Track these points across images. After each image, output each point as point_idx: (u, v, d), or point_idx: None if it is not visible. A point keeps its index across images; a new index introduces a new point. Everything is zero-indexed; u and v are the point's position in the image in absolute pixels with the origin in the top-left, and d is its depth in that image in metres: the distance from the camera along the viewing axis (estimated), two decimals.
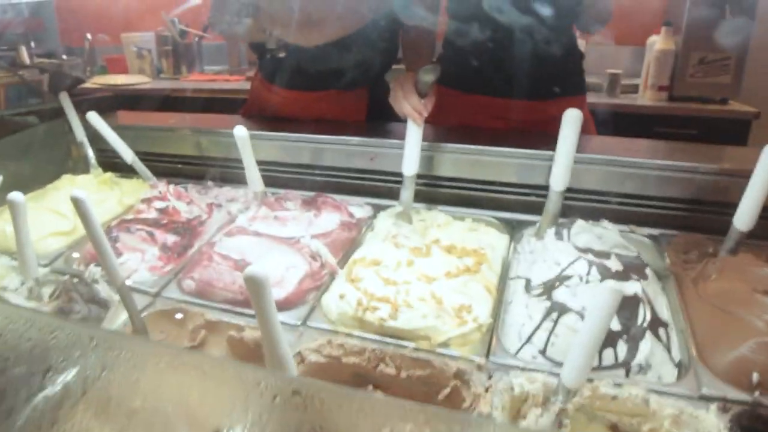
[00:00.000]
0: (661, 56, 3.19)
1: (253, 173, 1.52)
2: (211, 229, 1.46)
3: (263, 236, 1.32)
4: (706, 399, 0.96)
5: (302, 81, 1.87)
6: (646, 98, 3.34)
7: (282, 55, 1.60)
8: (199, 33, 4.45)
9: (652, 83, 3.27)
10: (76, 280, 1.21)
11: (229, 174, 1.77)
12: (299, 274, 1.20)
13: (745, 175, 1.22)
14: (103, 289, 1.17)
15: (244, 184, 1.60)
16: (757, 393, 0.96)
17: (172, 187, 1.68)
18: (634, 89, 3.48)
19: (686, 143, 1.59)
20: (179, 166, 1.91)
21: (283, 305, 1.15)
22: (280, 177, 1.74)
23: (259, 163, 1.57)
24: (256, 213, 1.46)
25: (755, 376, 0.98)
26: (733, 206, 1.26)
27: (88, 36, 4.57)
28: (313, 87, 1.89)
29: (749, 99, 3.18)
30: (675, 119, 3.19)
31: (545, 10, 1.54)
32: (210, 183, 1.77)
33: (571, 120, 1.25)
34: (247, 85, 2.21)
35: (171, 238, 1.39)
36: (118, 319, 1.11)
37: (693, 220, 1.46)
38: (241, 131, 1.44)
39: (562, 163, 1.29)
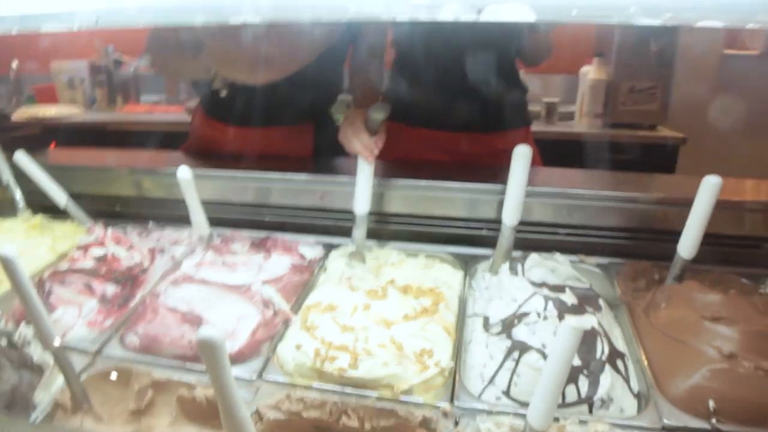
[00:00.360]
0: (594, 85, 3.34)
1: (197, 216, 1.45)
2: (155, 276, 1.38)
3: (211, 284, 1.26)
4: (668, 430, 0.97)
5: (246, 117, 1.82)
6: (582, 125, 3.47)
7: (227, 93, 1.55)
8: (134, 62, 4.31)
9: (587, 111, 3.41)
10: (4, 342, 1.11)
11: (172, 214, 1.69)
12: (252, 324, 1.14)
13: (684, 204, 1.27)
14: (36, 352, 1.07)
15: (187, 224, 1.53)
16: (714, 420, 0.98)
17: (110, 230, 1.60)
18: (570, 116, 3.60)
19: (628, 173, 1.64)
20: (117, 207, 1.81)
21: (237, 358, 1.09)
22: (226, 217, 1.67)
23: (203, 202, 1.51)
24: (203, 258, 1.40)
25: (711, 404, 1.00)
26: (674, 233, 1.30)
27: (14, 64, 4.34)
28: (257, 123, 1.84)
29: (676, 125, 3.36)
30: (610, 145, 3.32)
31: (491, 46, 1.57)
32: (151, 225, 1.69)
33: (521, 156, 1.26)
34: (187, 116, 2.14)
35: (111, 289, 1.30)
36: (54, 384, 1.02)
37: (639, 247, 1.50)
38: (184, 173, 1.38)
39: (514, 198, 1.30)
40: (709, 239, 1.29)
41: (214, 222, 1.56)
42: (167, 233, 1.63)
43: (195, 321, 1.13)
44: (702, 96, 3.19)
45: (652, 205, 1.47)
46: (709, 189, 1.21)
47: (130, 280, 1.34)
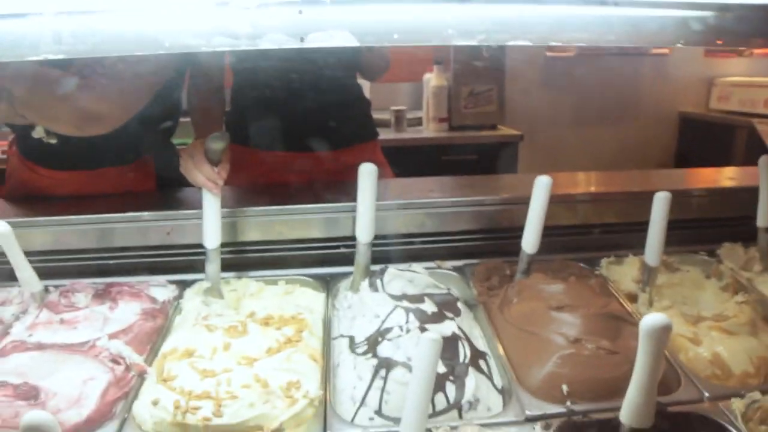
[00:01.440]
0: (436, 92, 3.51)
1: (24, 272, 1.29)
2: None
3: (48, 348, 1.13)
4: (531, 420, 1.03)
5: (71, 160, 1.65)
6: (430, 130, 3.64)
7: (52, 141, 1.40)
8: None
9: (433, 116, 3.58)
10: None
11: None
12: (101, 385, 1.04)
13: (524, 202, 1.36)
14: None
15: (16, 280, 1.36)
16: (569, 402, 1.06)
17: None
18: (419, 122, 3.76)
19: (473, 177, 1.74)
20: None
21: (87, 427, 0.98)
22: (63, 266, 1.51)
23: (34, 254, 1.35)
24: (37, 318, 1.25)
25: (565, 388, 1.08)
26: (520, 229, 1.39)
27: None
28: (85, 165, 1.68)
29: (513, 123, 3.64)
30: (457, 147, 3.51)
31: (328, 65, 1.57)
32: None
33: (366, 175, 1.28)
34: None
35: None
36: None
37: (490, 246, 1.58)
38: (1, 226, 1.22)
39: (365, 216, 1.31)
40: (549, 231, 1.39)
41: (50, 274, 1.41)
42: None
43: (31, 394, 1.00)
44: (531, 95, 3.49)
45: (497, 206, 1.57)
46: (541, 188, 1.31)
47: None
